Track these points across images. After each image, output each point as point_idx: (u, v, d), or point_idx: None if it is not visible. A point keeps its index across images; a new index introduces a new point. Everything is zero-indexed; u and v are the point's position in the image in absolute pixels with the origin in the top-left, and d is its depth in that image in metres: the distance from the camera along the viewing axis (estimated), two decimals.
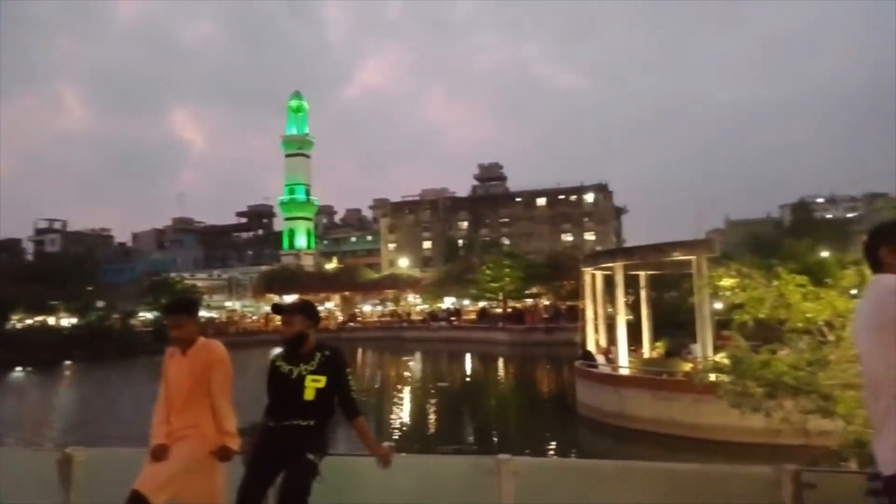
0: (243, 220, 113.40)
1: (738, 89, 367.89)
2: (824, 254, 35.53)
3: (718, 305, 16.73)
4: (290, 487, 3.13)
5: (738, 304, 9.43)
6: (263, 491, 3.18)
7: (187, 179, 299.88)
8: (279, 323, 3.43)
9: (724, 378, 9.32)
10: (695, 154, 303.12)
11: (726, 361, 9.89)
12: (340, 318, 67.92)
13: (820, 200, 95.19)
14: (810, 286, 7.82)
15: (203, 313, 73.57)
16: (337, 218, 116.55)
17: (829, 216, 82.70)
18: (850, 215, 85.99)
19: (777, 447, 8.66)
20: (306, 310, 3.51)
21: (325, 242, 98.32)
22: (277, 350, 3.54)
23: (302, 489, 3.13)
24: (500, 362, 41.47)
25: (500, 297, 57.02)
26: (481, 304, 61.21)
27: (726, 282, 12.35)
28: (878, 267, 2.46)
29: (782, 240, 49.36)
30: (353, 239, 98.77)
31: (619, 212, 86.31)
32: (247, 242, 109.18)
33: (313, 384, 3.29)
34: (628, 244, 53.19)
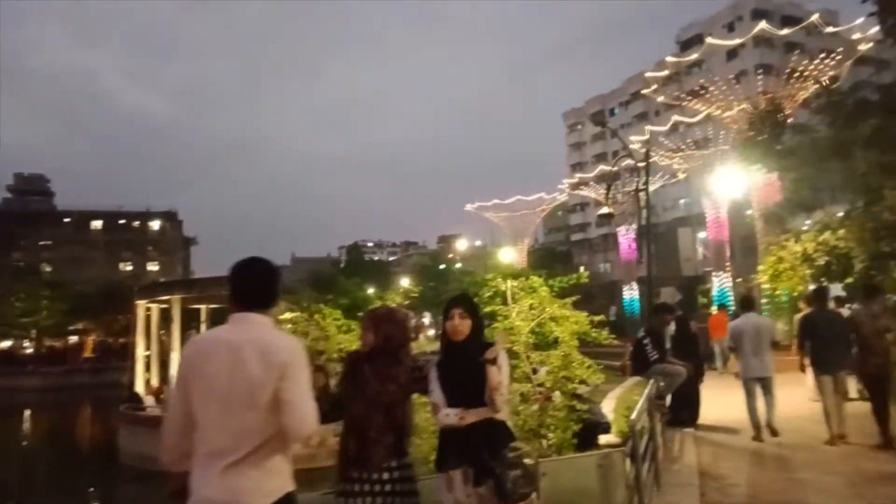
0: None
1: (313, 139, 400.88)
2: (370, 290, 40.89)
3: None
4: None
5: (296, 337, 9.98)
6: None
7: None
8: None
9: None
10: (269, 192, 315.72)
11: None
12: None
13: (370, 244, 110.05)
14: (344, 320, 8.77)
15: None
16: None
17: (376, 258, 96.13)
18: (391, 258, 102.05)
19: (314, 470, 9.35)
20: None
21: None
22: None
23: None
24: (28, 414, 34.35)
25: (34, 334, 47.60)
26: (5, 343, 49.87)
27: (286, 315, 13.03)
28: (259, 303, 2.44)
29: (337, 277, 54.92)
30: None
31: (188, 242, 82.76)
32: None
33: None
34: (197, 276, 51.19)
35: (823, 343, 7.55)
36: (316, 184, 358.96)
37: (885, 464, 6.55)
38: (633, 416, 4.25)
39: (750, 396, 7.98)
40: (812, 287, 11.17)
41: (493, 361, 3.05)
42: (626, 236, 29.71)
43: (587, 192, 36.46)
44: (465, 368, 3.06)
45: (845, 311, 9.07)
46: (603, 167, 34.60)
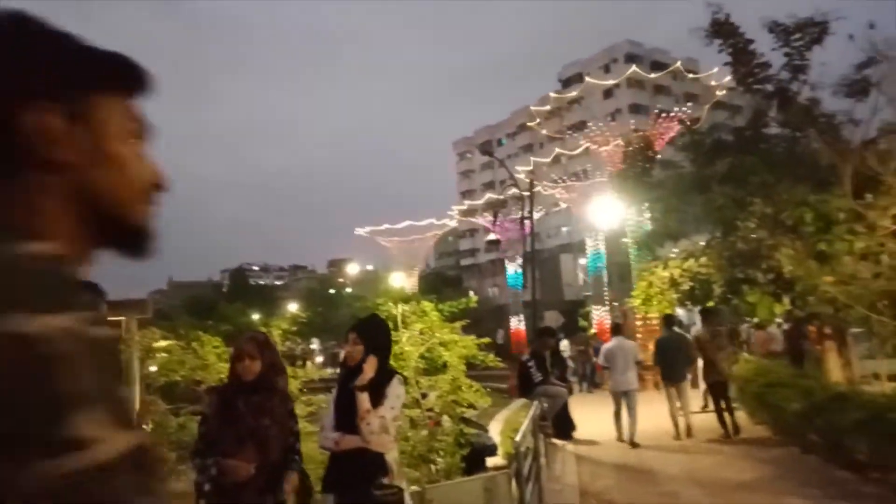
0: None
1: (198, 160, 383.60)
2: (255, 316, 39.28)
3: (154, 368, 16.28)
4: None
5: (170, 366, 9.27)
6: None
7: None
8: None
9: None
10: None
11: (145, 427, 9.53)
12: None
13: (256, 268, 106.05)
14: (224, 347, 8.32)
15: None
16: None
17: (262, 282, 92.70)
18: (278, 283, 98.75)
19: None
20: None
21: None
22: None
23: None
24: None
25: None
26: None
27: (161, 343, 12.15)
28: None
29: (218, 302, 52.37)
30: None
31: None
32: None
33: None
34: None
35: (669, 360, 9.27)
36: (199, 206, 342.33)
37: (742, 473, 7.16)
38: (518, 437, 4.34)
39: (617, 406, 9.32)
40: (671, 310, 12.26)
41: (363, 389, 2.99)
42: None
43: (476, 219, 37.46)
44: (352, 393, 3.03)
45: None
46: (491, 195, 35.72)
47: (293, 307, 42.20)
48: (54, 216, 0.63)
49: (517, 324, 31.03)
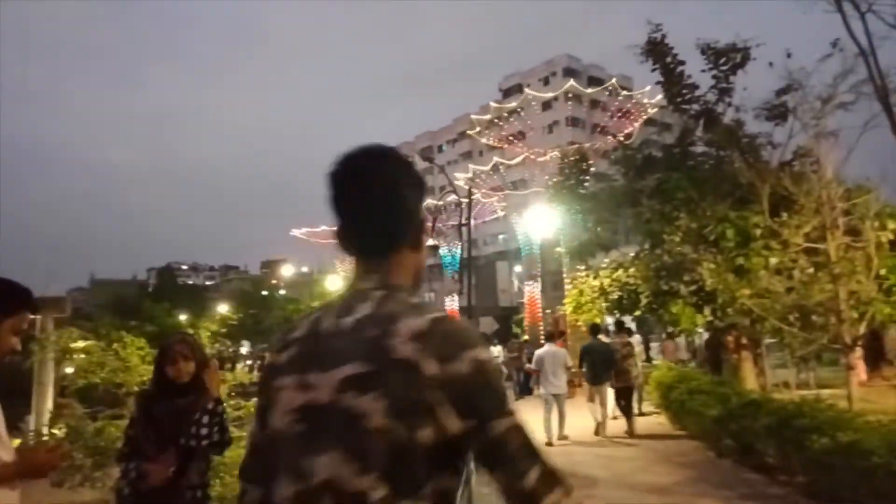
0: None
1: (119, 149, 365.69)
2: (182, 317, 37.85)
3: (70, 369, 15.43)
4: None
5: (89, 368, 8.82)
6: None
7: None
8: None
9: None
10: (64, 206, 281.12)
11: (58, 432, 9.02)
12: None
13: (184, 267, 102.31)
14: (149, 349, 8.00)
15: None
16: None
17: (191, 282, 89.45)
18: (208, 283, 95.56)
19: None
20: None
21: None
22: None
23: None
24: None
25: None
26: None
27: (80, 343, 11.51)
28: None
29: (143, 302, 50.19)
30: None
31: None
32: None
33: None
34: None
35: (593, 365, 10.26)
36: (122, 199, 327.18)
37: (663, 476, 7.48)
38: None
39: (547, 408, 9.96)
40: (601, 318, 12.73)
41: None
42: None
43: None
44: None
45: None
46: (430, 200, 35.91)
47: (223, 309, 40.94)
48: (415, 279, 1.17)
49: (450, 304, 31.80)
